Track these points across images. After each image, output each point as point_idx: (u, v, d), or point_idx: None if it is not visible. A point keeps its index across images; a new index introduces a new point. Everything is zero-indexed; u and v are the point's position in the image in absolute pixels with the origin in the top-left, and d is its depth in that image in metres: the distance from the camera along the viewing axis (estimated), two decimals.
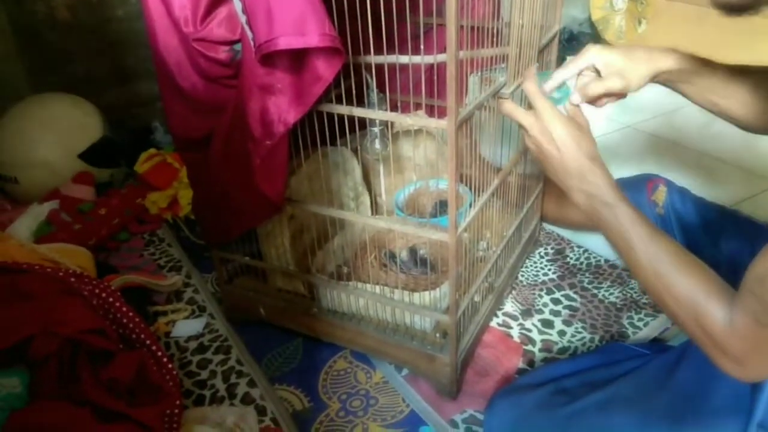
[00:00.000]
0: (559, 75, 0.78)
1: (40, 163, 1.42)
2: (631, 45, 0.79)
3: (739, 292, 0.58)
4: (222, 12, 0.76)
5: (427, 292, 0.88)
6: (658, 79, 0.81)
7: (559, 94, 0.78)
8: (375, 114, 0.75)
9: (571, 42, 2.39)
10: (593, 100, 0.81)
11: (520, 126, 0.75)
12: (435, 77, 1.06)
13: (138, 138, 1.62)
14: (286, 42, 0.65)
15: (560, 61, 2.33)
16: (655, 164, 1.54)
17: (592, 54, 0.79)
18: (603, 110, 0.88)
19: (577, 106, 0.77)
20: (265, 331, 1.05)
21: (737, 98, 0.81)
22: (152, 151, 1.46)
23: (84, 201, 1.39)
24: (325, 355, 1.00)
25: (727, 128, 0.87)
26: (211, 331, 1.07)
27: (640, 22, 2.32)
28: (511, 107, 0.76)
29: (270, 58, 0.69)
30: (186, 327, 1.08)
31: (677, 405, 0.71)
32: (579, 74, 0.80)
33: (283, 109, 0.72)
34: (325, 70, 0.69)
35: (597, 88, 0.79)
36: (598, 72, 0.80)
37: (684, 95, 0.85)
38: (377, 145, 1.02)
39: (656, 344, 0.94)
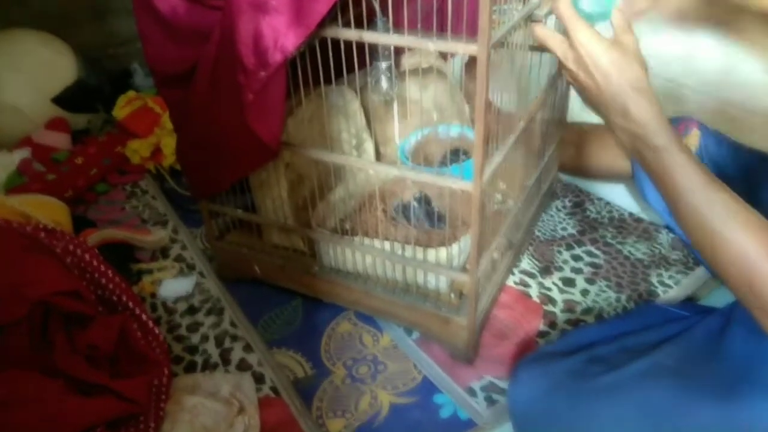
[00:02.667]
0: None
1: (9, 107, 1.29)
2: None
3: None
4: None
5: (442, 248, 0.79)
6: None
7: (599, 7, 0.66)
8: (389, 38, 0.63)
9: None
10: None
11: (555, 55, 0.65)
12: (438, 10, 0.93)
13: (116, 81, 1.48)
14: None
15: None
16: (675, 111, 1.43)
17: None
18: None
19: (623, 23, 0.65)
20: (261, 291, 0.96)
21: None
22: (131, 94, 1.33)
23: (58, 149, 1.27)
24: (327, 317, 0.92)
25: (751, 74, 0.78)
26: (201, 290, 0.98)
27: None
28: (544, 33, 0.66)
29: None
30: (174, 286, 0.98)
31: (728, 376, 0.63)
32: None
33: (281, 32, 0.61)
34: None
35: None
36: None
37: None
38: (384, 84, 0.91)
39: (695, 305, 0.85)
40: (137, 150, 1.28)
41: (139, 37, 0.75)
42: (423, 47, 0.61)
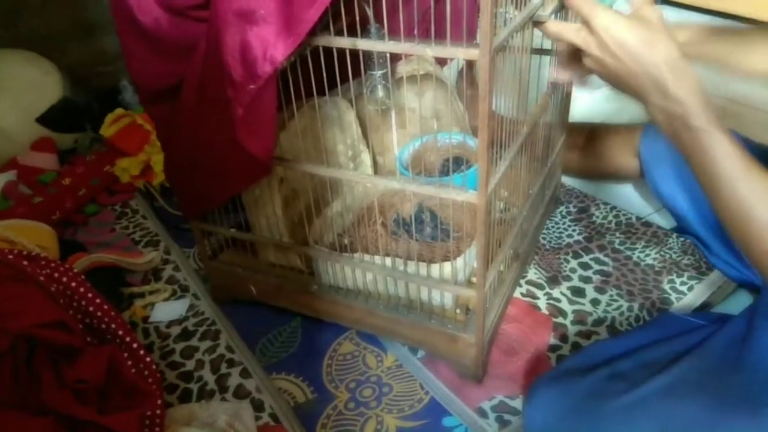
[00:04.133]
0: None
1: None
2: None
3: None
4: None
5: (446, 263, 0.75)
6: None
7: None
8: (384, 45, 0.60)
9: None
10: None
11: (575, 45, 0.61)
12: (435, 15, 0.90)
13: (104, 99, 1.44)
14: None
15: None
16: None
17: None
18: None
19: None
20: (258, 312, 0.92)
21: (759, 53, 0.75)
22: (119, 111, 1.30)
23: (45, 171, 1.23)
24: (328, 337, 0.88)
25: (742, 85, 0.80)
26: (195, 313, 0.94)
27: None
28: (558, 26, 0.63)
29: None
30: (167, 310, 0.94)
31: (755, 387, 0.60)
32: None
33: (269, 43, 0.57)
34: None
35: None
36: None
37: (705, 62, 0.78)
38: (379, 92, 0.87)
39: (711, 313, 0.82)
40: (127, 168, 1.24)
41: (123, 52, 0.72)
42: (420, 54, 0.57)
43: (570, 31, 0.61)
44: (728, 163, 0.56)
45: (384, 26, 0.60)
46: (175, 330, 0.91)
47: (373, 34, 0.73)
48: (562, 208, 1.09)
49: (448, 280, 0.75)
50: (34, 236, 0.96)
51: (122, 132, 1.26)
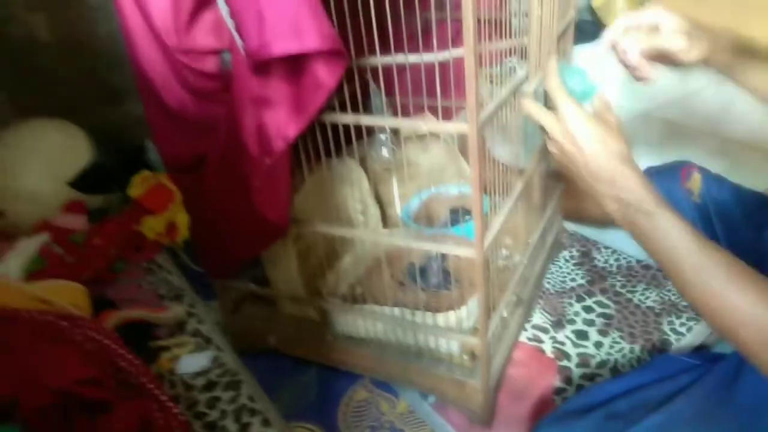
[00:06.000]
0: (609, 35, 0.71)
1: (28, 193, 1.34)
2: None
3: None
4: (207, 18, 0.68)
5: (451, 312, 0.81)
6: (712, 61, 0.73)
7: (582, 87, 0.71)
8: (385, 121, 0.67)
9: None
10: (641, 68, 0.73)
11: (542, 127, 0.68)
12: (437, 77, 0.98)
13: (131, 159, 1.54)
14: (281, 47, 0.57)
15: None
16: (676, 153, 1.45)
17: (653, 12, 0.70)
18: (614, 99, 0.80)
19: (604, 104, 0.68)
20: (277, 362, 0.97)
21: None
22: (146, 173, 1.38)
23: (76, 231, 1.31)
24: (343, 385, 0.92)
25: (750, 110, 0.79)
26: (218, 364, 0.99)
27: (642, 5, 2.23)
28: (533, 107, 0.69)
29: (264, 66, 0.61)
30: (191, 362, 1.00)
31: (744, 422, 0.63)
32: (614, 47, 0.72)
33: (282, 123, 0.65)
34: (326, 76, 0.61)
35: (655, 42, 0.70)
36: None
37: (737, 81, 0.76)
38: (385, 152, 0.94)
39: (706, 354, 0.85)
40: (153, 227, 1.32)
41: (150, 128, 0.80)
42: (416, 128, 0.64)
43: (541, 114, 0.68)
44: (682, 241, 0.58)
45: (394, 86, 0.66)
46: (200, 381, 0.96)
47: (375, 103, 0.80)
48: (565, 252, 1.14)
49: (453, 328, 0.80)
50: (68, 295, 1.03)
51: (148, 192, 1.35)
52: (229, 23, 0.62)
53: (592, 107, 0.68)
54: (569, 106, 0.65)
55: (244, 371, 0.97)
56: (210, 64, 0.68)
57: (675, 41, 0.70)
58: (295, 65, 0.62)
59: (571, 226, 1.20)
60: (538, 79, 0.73)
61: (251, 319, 0.97)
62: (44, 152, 1.38)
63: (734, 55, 0.73)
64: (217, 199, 0.77)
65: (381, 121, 0.67)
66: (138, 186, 1.37)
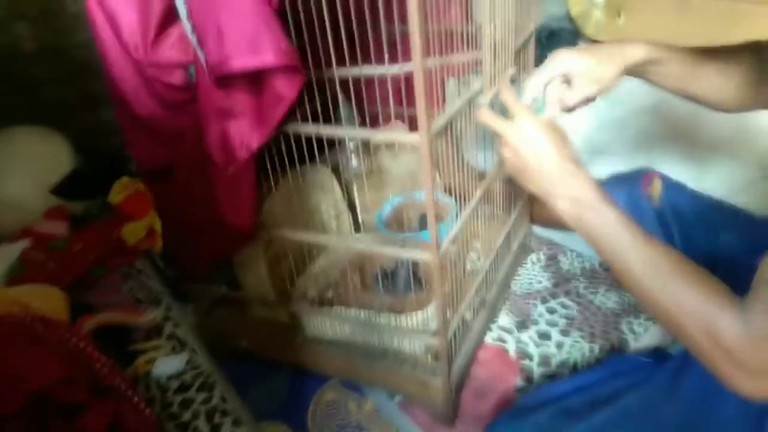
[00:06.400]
0: (529, 92, 0.77)
1: (10, 200, 1.36)
2: (595, 45, 0.77)
3: (750, 298, 0.53)
4: (174, 33, 0.71)
5: (415, 314, 0.84)
6: (630, 72, 0.78)
7: (535, 103, 0.75)
8: (344, 131, 0.70)
9: (551, 39, 2.35)
10: (569, 109, 0.79)
11: (497, 135, 0.71)
12: (403, 87, 1.01)
13: (112, 165, 1.56)
14: (240, 62, 0.61)
15: (541, 60, 2.27)
16: (646, 159, 1.50)
17: (558, 62, 0.77)
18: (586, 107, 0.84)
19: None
20: (250, 364, 0.99)
21: (707, 81, 0.79)
22: (126, 179, 1.41)
23: (57, 237, 1.33)
24: (313, 386, 0.95)
25: (717, 116, 0.84)
26: (193, 367, 1.02)
27: (619, 14, 2.28)
28: (487, 116, 0.73)
29: (226, 79, 0.65)
30: (167, 365, 1.02)
31: (686, 418, 0.67)
32: (547, 84, 0.77)
33: (245, 134, 0.68)
34: (285, 89, 0.64)
35: (573, 98, 0.77)
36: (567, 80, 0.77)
37: (656, 85, 0.82)
38: (353, 161, 0.98)
39: (660, 353, 0.89)
40: (133, 232, 1.34)
41: (125, 140, 0.83)
42: (372, 138, 0.67)
43: (496, 121, 0.71)
44: (628, 236, 0.61)
45: (359, 99, 0.70)
46: (174, 383, 0.98)
47: (343, 114, 0.84)
48: (533, 255, 1.18)
49: (416, 329, 0.83)
50: (46, 300, 1.05)
51: (128, 199, 1.37)
52: (192, 38, 0.65)
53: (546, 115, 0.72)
54: (525, 113, 0.69)
55: (217, 373, 0.99)
56: (177, 77, 0.71)
57: (587, 89, 0.76)
58: (255, 78, 0.65)
59: (540, 231, 1.24)
60: (494, 90, 0.77)
61: (224, 322, 1.00)
62: (26, 159, 1.40)
63: (650, 63, 0.77)
64: (186, 204, 0.80)
65: (340, 131, 0.70)
66: (119, 192, 1.39)
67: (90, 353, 0.85)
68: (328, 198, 1.04)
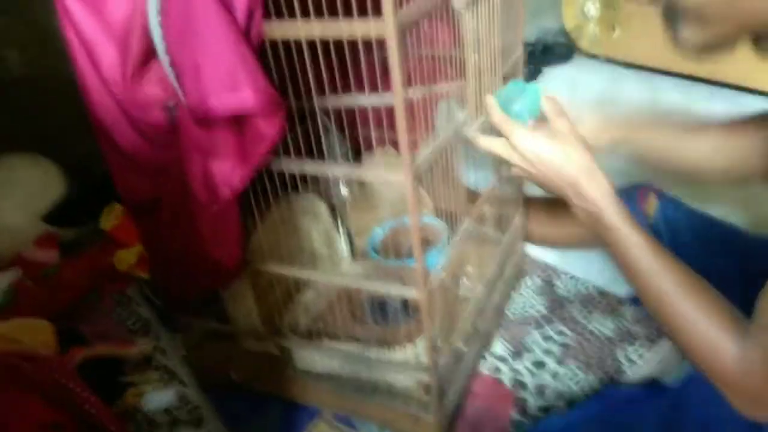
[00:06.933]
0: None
1: (3, 228, 1.36)
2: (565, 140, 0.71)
3: (752, 323, 0.54)
4: (153, 69, 0.70)
5: (406, 347, 0.82)
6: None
7: (528, 104, 0.72)
8: (330, 169, 0.69)
9: (546, 53, 2.35)
10: None
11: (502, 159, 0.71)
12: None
13: (102, 190, 1.55)
14: (217, 102, 0.59)
15: (537, 73, 2.23)
16: (641, 175, 1.48)
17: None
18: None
19: (555, 109, 0.71)
20: (240, 396, 0.98)
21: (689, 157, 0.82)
22: (116, 206, 1.40)
23: (48, 265, 1.32)
24: (304, 419, 0.93)
25: None
26: (183, 400, 1.00)
27: (614, 28, 2.28)
28: (486, 143, 0.72)
29: (206, 118, 0.63)
30: (156, 398, 1.00)
31: None
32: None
33: (227, 172, 0.66)
34: (267, 128, 0.63)
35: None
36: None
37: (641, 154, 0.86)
38: (343, 190, 0.96)
39: (651, 386, 0.87)
40: (125, 259, 1.33)
41: (109, 172, 0.82)
42: (356, 176, 0.66)
43: (497, 146, 0.71)
44: (641, 255, 0.62)
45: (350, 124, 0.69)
46: (164, 418, 0.97)
47: (330, 140, 0.83)
48: (527, 279, 1.16)
49: (407, 363, 0.81)
50: (35, 334, 1.03)
51: (119, 225, 1.36)
52: (170, 74, 0.64)
53: (546, 114, 0.71)
54: (516, 132, 0.68)
55: (207, 406, 0.98)
56: (156, 117, 0.70)
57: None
58: (236, 117, 0.64)
59: (535, 252, 1.22)
60: (483, 117, 0.76)
61: (213, 354, 0.98)
62: (18, 187, 1.39)
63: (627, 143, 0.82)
64: (171, 238, 0.79)
65: (324, 168, 0.69)
66: (109, 219, 1.38)
67: (79, 394, 0.84)
68: (318, 225, 1.03)
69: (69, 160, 1.52)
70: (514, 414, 0.89)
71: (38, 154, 1.46)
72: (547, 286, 1.13)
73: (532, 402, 0.90)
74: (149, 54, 0.69)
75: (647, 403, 0.75)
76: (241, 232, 0.74)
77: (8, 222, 1.36)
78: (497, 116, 0.71)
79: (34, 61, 1.54)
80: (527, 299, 1.11)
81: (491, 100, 0.73)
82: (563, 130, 0.68)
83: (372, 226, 1.12)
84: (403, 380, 0.84)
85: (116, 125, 0.76)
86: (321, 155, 0.83)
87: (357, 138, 1.05)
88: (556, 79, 1.92)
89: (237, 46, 0.57)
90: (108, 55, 0.70)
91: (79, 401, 0.83)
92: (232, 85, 0.59)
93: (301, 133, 0.78)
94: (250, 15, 0.59)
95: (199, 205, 0.70)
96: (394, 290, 0.73)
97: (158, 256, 0.87)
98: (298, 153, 0.73)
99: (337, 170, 0.68)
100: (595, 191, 0.65)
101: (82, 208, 1.45)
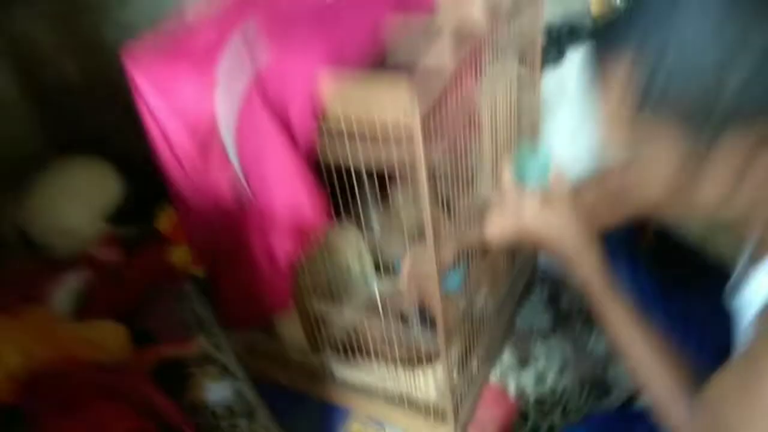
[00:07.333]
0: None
1: (66, 228, 1.52)
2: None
3: (699, 399, 0.62)
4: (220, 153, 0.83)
5: (429, 369, 0.98)
6: None
7: (540, 170, 0.78)
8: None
9: (572, 36, 2.37)
10: None
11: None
12: None
13: (155, 189, 1.70)
14: (281, 205, 0.73)
15: (560, 56, 2.25)
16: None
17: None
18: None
19: (558, 182, 0.79)
20: (287, 394, 1.16)
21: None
22: (170, 210, 1.55)
23: (113, 263, 1.48)
24: (340, 417, 1.12)
25: None
26: (237, 393, 1.18)
27: None
28: (494, 233, 0.83)
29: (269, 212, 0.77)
30: (217, 391, 1.19)
31: None
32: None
33: (287, 248, 0.81)
34: (315, 218, 0.77)
35: None
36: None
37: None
38: (375, 225, 1.10)
39: (635, 408, 1.02)
40: (180, 256, 1.49)
41: (181, 226, 0.96)
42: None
43: (504, 233, 0.82)
44: (622, 330, 0.71)
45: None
46: (223, 410, 1.16)
47: (376, 227, 0.95)
48: (537, 291, 1.30)
49: (426, 381, 0.97)
50: (110, 336, 1.21)
51: (174, 226, 1.52)
52: (239, 173, 0.77)
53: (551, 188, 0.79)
54: (528, 213, 0.78)
55: (258, 401, 1.16)
56: (226, 189, 0.83)
57: None
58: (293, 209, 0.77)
59: (545, 262, 1.34)
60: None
61: (263, 358, 1.16)
62: (79, 190, 1.55)
63: None
64: (230, 283, 0.95)
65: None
66: (164, 220, 1.54)
67: (155, 398, 1.02)
68: (353, 252, 1.16)
69: (126, 158, 1.66)
70: (516, 422, 1.06)
71: (96, 157, 1.61)
72: (554, 300, 1.27)
73: (533, 411, 1.07)
74: (218, 145, 0.82)
75: (639, 423, 0.88)
76: (291, 283, 0.89)
77: (73, 223, 1.53)
78: (511, 197, 0.80)
79: (87, 70, 1.66)
80: (535, 312, 1.25)
81: (507, 176, 0.83)
82: (560, 206, 0.78)
83: (396, 246, 1.25)
84: (424, 395, 1.01)
85: (187, 189, 0.90)
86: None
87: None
88: (576, 59, 1.92)
89: (298, 168, 0.70)
90: (179, 139, 0.82)
91: (157, 406, 1.01)
92: (293, 195, 0.72)
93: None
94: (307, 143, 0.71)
95: (260, 270, 0.85)
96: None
97: (221, 291, 1.03)
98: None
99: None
100: (586, 267, 0.75)
101: (137, 207, 1.61)
